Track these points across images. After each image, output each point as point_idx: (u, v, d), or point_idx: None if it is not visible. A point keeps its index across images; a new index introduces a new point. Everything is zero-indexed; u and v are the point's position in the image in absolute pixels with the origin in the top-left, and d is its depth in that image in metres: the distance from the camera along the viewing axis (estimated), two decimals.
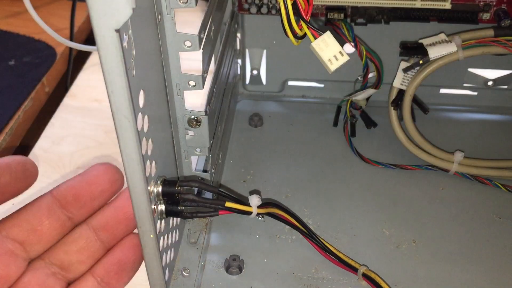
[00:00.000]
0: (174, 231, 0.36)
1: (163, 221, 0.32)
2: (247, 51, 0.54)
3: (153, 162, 0.29)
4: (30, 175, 0.28)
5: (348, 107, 0.51)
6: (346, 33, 0.44)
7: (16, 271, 0.27)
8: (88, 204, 0.28)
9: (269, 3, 0.48)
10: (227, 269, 0.39)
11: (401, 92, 0.46)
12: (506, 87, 0.53)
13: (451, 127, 0.52)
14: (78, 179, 0.29)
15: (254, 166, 0.48)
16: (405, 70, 0.45)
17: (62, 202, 0.28)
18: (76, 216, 0.28)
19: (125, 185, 0.29)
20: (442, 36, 0.45)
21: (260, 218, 0.42)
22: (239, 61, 0.54)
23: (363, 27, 0.48)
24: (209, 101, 0.37)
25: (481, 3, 0.45)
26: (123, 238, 0.29)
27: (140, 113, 0.26)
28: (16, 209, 0.28)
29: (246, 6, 0.49)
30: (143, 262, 0.31)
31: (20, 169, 0.27)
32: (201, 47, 0.32)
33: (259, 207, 0.36)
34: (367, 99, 0.50)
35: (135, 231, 0.29)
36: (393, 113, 0.47)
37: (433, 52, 0.43)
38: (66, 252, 0.28)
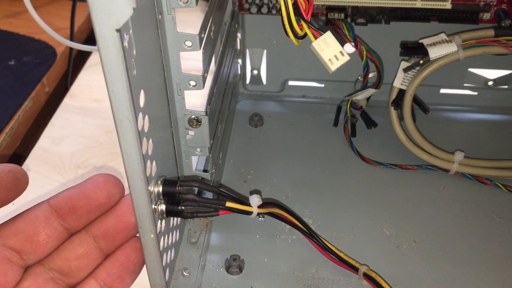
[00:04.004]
0: (174, 231, 0.36)
1: (163, 221, 0.32)
2: (247, 51, 0.54)
3: (154, 162, 0.29)
4: (20, 184, 0.27)
5: (348, 107, 0.51)
6: (347, 33, 0.44)
7: (14, 278, 0.27)
8: (84, 217, 0.28)
9: (270, 3, 0.48)
10: (228, 269, 0.39)
11: (401, 92, 0.46)
12: (506, 87, 0.53)
13: (451, 127, 0.52)
14: (76, 191, 0.28)
15: (254, 166, 0.48)
16: (406, 70, 0.45)
17: (59, 212, 0.28)
18: (73, 227, 0.28)
19: (127, 191, 0.28)
20: (443, 36, 0.45)
21: (260, 218, 0.42)
22: (240, 61, 0.54)
23: (363, 27, 0.48)
24: (209, 101, 0.37)
25: (482, 3, 0.45)
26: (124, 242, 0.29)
27: (140, 113, 0.26)
28: (17, 209, 0.28)
29: (246, 6, 0.49)
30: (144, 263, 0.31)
31: (11, 178, 0.27)
32: (202, 47, 0.32)
33: (259, 206, 0.36)
34: (368, 99, 0.50)
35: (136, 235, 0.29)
36: (394, 113, 0.47)
37: (434, 52, 0.43)
38: (65, 259, 0.28)
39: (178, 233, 0.38)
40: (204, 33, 0.32)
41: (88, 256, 0.28)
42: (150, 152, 0.28)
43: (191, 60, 0.34)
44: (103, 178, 0.28)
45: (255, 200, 0.36)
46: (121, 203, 0.28)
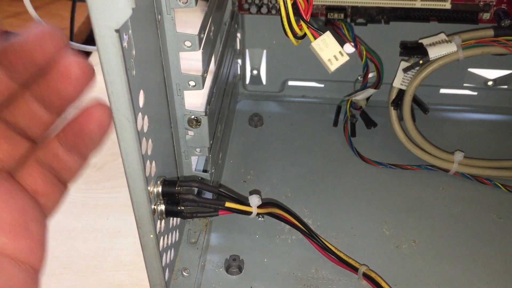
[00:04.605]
0: (174, 231, 0.36)
1: (163, 221, 0.32)
2: (247, 51, 0.54)
3: (153, 162, 0.29)
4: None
5: (348, 107, 0.51)
6: (346, 33, 0.44)
7: None
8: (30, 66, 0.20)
9: (269, 3, 0.48)
10: (227, 269, 0.39)
11: (401, 92, 0.46)
12: (506, 87, 0.53)
13: (451, 127, 0.52)
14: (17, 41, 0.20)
15: (254, 166, 0.48)
16: (405, 70, 0.45)
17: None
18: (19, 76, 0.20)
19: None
20: (442, 36, 0.45)
21: (260, 218, 0.42)
22: (239, 61, 0.54)
23: (363, 27, 0.48)
24: (209, 101, 0.37)
25: (481, 3, 0.45)
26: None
27: (140, 113, 0.26)
28: None
29: (246, 6, 0.49)
30: (144, 259, 0.31)
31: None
32: (201, 47, 0.32)
33: (259, 207, 0.36)
34: (367, 99, 0.50)
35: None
36: (393, 113, 0.47)
37: (433, 52, 0.43)
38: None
39: (177, 233, 0.38)
40: (204, 33, 0.32)
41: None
42: (149, 152, 0.28)
43: (190, 60, 0.34)
44: (45, 29, 0.20)
45: (254, 200, 0.36)
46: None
